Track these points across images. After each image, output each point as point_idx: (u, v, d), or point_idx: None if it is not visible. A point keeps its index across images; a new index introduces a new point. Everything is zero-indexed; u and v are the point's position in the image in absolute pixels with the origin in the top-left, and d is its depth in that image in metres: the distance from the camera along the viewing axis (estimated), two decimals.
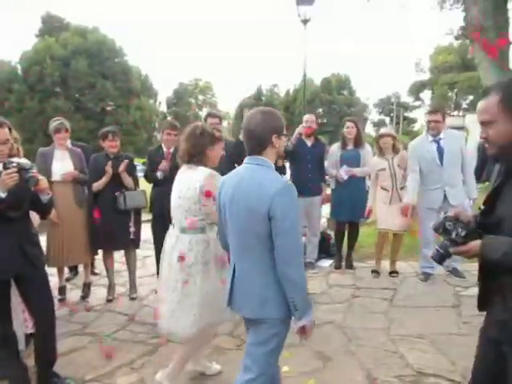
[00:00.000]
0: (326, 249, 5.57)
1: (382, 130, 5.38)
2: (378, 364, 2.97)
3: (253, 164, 1.91)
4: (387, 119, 46.74)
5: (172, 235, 2.65)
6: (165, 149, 4.36)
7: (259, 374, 1.93)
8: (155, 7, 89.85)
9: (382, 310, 3.92)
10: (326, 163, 5.23)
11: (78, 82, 31.22)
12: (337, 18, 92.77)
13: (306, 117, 5.17)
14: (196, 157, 2.55)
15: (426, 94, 38.03)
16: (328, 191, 5.35)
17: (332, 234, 5.56)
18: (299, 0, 9.70)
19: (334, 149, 5.17)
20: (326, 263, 5.36)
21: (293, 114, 36.49)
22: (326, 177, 5.30)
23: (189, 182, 2.53)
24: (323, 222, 5.88)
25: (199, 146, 2.55)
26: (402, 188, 4.67)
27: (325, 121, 40.54)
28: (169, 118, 37.80)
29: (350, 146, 5.02)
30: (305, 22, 9.93)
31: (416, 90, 38.43)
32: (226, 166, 3.22)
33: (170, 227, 2.71)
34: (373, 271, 4.88)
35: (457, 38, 7.38)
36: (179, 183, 2.61)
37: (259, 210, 1.79)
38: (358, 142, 5.01)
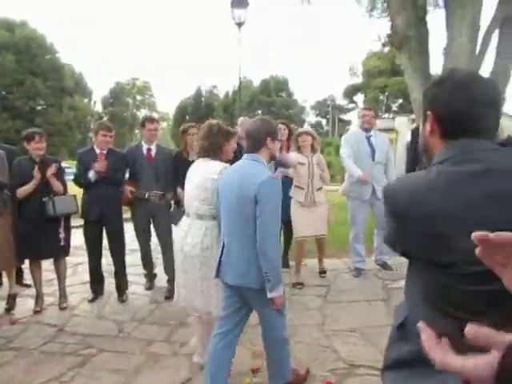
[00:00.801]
0: None
1: (301, 129, 5.45)
2: (313, 359, 3.07)
3: (249, 160, 2.36)
4: (324, 121, 48.25)
5: (185, 223, 2.86)
6: (98, 150, 4.20)
7: (282, 334, 2.45)
8: (90, 3, 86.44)
9: (317, 306, 4.05)
10: None
11: (5, 78, 29.31)
12: (275, 20, 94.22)
13: (241, 120, 5.21)
14: (213, 152, 2.77)
15: (360, 97, 39.71)
16: None
17: None
18: (234, 3, 9.77)
19: None
20: None
21: (232, 115, 36.56)
22: None
23: (206, 173, 2.72)
24: None
25: (216, 143, 2.76)
26: (318, 189, 4.62)
27: None
28: (105, 119, 36.47)
29: (283, 149, 5.12)
30: (239, 24, 10.01)
31: (350, 93, 40.03)
32: None
33: (184, 216, 2.90)
34: (294, 284, 4.61)
35: (384, 45, 7.82)
36: (197, 175, 2.80)
37: (248, 195, 2.20)
38: (290, 143, 5.13)
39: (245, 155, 2.41)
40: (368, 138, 4.81)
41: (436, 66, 8.08)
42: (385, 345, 1.40)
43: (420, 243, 1.18)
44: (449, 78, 1.17)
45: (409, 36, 7.95)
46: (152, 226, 4.53)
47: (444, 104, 1.15)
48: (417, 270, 1.24)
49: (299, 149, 4.66)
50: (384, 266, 5.01)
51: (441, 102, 1.16)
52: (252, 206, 2.21)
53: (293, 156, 4.59)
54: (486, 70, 8.42)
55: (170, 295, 4.32)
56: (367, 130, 4.82)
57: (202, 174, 2.74)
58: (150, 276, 4.75)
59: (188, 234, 2.78)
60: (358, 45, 44.66)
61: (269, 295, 2.22)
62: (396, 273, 4.77)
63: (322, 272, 4.97)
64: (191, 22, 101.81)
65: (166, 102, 57.94)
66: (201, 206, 2.75)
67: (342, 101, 43.68)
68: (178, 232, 2.93)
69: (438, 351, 0.67)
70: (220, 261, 2.42)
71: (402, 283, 1.83)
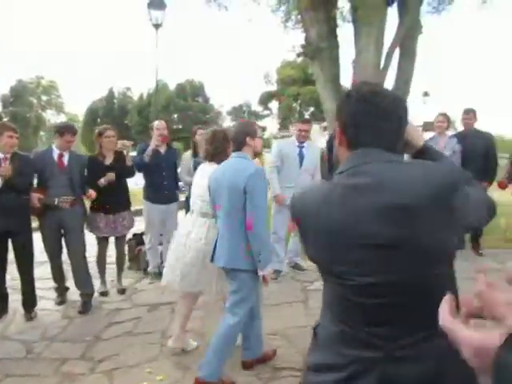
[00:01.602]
0: None
1: None
2: (237, 364, 3.07)
3: (236, 157, 2.74)
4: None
5: (189, 220, 3.20)
6: (0, 154, 3.82)
7: (237, 321, 2.72)
8: None
9: None
10: (179, 170, 5.24)
11: None
12: (192, 24, 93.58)
13: (157, 123, 5.05)
14: (218, 156, 3.01)
15: (274, 104, 40.86)
16: (182, 198, 5.37)
17: None
18: (151, 4, 9.54)
19: (187, 156, 5.19)
20: None
21: (147, 119, 35.59)
22: (180, 183, 5.30)
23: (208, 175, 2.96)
24: None
25: (221, 147, 3.03)
26: None
27: (180, 127, 40.49)
28: (5, 119, 33.40)
29: (202, 153, 5.10)
30: (156, 26, 9.80)
31: (265, 100, 41.00)
32: None
33: (188, 214, 3.29)
34: None
35: (298, 56, 8.14)
36: (202, 177, 3.06)
37: (238, 187, 2.55)
38: None
39: (232, 154, 2.80)
40: (301, 148, 5.04)
41: (347, 77, 8.57)
42: (304, 345, 1.43)
43: (317, 252, 1.23)
44: (354, 91, 1.22)
45: (321, 48, 8.34)
46: (63, 236, 4.24)
47: (347, 116, 1.20)
48: (322, 277, 1.28)
49: None
50: (296, 266, 5.22)
51: (345, 114, 1.21)
52: (241, 197, 2.56)
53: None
54: (389, 84, 9.13)
55: (84, 310, 4.08)
56: (302, 142, 5.04)
57: (207, 177, 2.93)
58: (61, 290, 4.43)
59: (192, 230, 3.11)
60: (273, 53, 46.05)
61: (260, 273, 2.64)
62: (314, 274, 4.96)
63: None
64: (104, 21, 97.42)
65: (75, 103, 54.69)
66: (204, 206, 3.05)
67: (257, 107, 44.57)
68: (182, 228, 3.27)
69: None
70: (215, 246, 2.79)
71: (319, 284, 1.91)
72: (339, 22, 9.47)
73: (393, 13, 8.74)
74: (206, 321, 3.76)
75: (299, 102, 34.71)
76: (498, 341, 0.52)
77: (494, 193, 5.54)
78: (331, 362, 1.19)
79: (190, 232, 3.10)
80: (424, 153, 1.28)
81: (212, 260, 2.82)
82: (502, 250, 5.46)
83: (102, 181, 4.27)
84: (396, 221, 1.05)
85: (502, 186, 5.42)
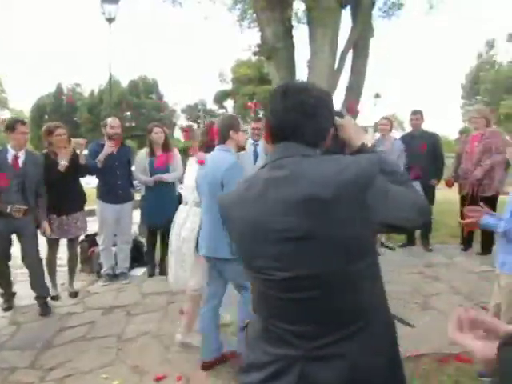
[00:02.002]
0: (138, 257, 5.42)
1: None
2: (197, 368, 3.03)
3: (219, 150, 2.81)
4: (195, 125, 48.35)
5: (183, 211, 3.38)
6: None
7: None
8: None
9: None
10: (133, 168, 5.11)
11: None
12: (147, 20, 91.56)
13: (110, 121, 4.87)
14: (211, 147, 3.00)
15: (229, 103, 40.80)
16: (137, 197, 5.25)
17: (144, 240, 5.46)
18: None
19: (142, 154, 5.07)
20: (140, 272, 5.22)
21: (98, 116, 34.47)
22: (135, 182, 5.17)
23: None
24: (134, 228, 5.72)
25: (212, 139, 3.06)
26: None
27: (133, 124, 39.54)
28: None
29: (159, 152, 5.00)
30: (110, 20, 9.50)
31: (220, 98, 40.84)
32: None
33: (182, 205, 3.47)
34: None
35: (255, 55, 8.15)
36: (194, 169, 3.14)
37: (217, 179, 2.63)
38: (167, 147, 5.03)
39: (217, 146, 2.86)
40: (255, 146, 5.11)
41: (303, 77, 8.69)
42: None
43: (239, 247, 1.26)
44: (280, 87, 1.26)
45: (277, 47, 8.39)
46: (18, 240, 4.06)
47: (271, 111, 1.23)
48: (247, 273, 1.29)
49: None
50: None
51: (269, 110, 1.24)
52: (220, 189, 2.62)
53: (181, 166, 4.96)
54: (343, 85, 9.35)
55: (44, 312, 3.99)
56: (256, 140, 5.12)
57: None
58: (8, 295, 4.20)
59: (187, 219, 3.27)
60: (228, 52, 45.90)
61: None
62: None
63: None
64: (55, 14, 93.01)
65: (20, 99, 52.01)
66: (197, 197, 3.13)
67: (212, 105, 44.33)
68: (177, 218, 3.40)
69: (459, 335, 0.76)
70: (198, 237, 2.95)
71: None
72: (295, 23, 9.60)
73: (347, 15, 8.96)
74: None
75: (255, 101, 34.86)
76: None
77: (442, 191, 5.83)
78: (257, 361, 1.20)
79: (185, 222, 3.28)
80: (363, 151, 1.30)
81: (196, 249, 3.00)
82: (449, 245, 5.74)
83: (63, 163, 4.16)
84: (309, 213, 1.07)
85: (449, 185, 5.69)
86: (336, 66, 8.66)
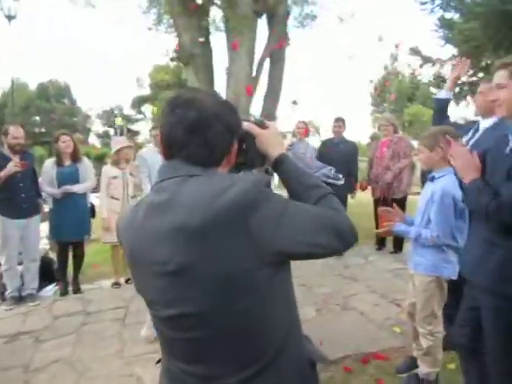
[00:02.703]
0: (48, 274, 4.99)
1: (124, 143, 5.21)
2: None
3: None
4: (111, 130, 46.43)
5: None
6: None
7: None
8: None
9: (115, 332, 3.76)
10: (40, 179, 4.70)
11: None
12: (57, 21, 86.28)
13: (12, 130, 4.34)
14: None
15: (148, 108, 39.74)
16: (46, 209, 4.85)
17: (54, 256, 5.05)
18: None
19: (49, 164, 4.67)
20: (50, 291, 4.81)
21: (2, 122, 31.72)
22: (43, 194, 4.75)
23: None
24: (43, 244, 5.28)
25: None
26: (133, 197, 4.76)
27: (43, 130, 36.98)
28: None
29: (68, 162, 4.66)
30: (9, 18, 8.76)
31: (138, 103, 39.68)
32: None
33: None
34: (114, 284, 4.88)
35: (172, 60, 7.99)
36: None
37: None
38: (76, 156, 4.70)
39: None
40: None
41: (222, 84, 8.68)
42: None
43: (132, 277, 1.16)
44: (171, 98, 1.11)
45: (194, 54, 8.30)
46: None
47: (161, 125, 1.10)
48: None
49: (117, 161, 4.85)
50: None
51: (160, 123, 1.11)
52: None
53: (92, 175, 4.87)
54: (261, 92, 9.50)
55: None
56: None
57: None
58: None
59: None
60: (146, 56, 44.73)
61: None
62: None
63: (116, 283, 4.87)
64: None
65: None
66: None
67: (130, 111, 42.92)
68: None
69: None
70: None
71: None
72: (213, 29, 9.58)
73: (264, 24, 9.12)
74: None
75: None
76: None
77: (357, 193, 6.11)
78: None
79: None
80: (278, 163, 1.19)
81: None
82: (365, 245, 6.01)
83: None
84: (180, 245, 0.95)
85: (363, 188, 6.00)
86: (254, 73, 8.79)
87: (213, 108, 1.06)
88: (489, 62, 7.57)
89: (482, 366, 1.98)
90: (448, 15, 7.95)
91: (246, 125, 1.18)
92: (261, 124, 1.22)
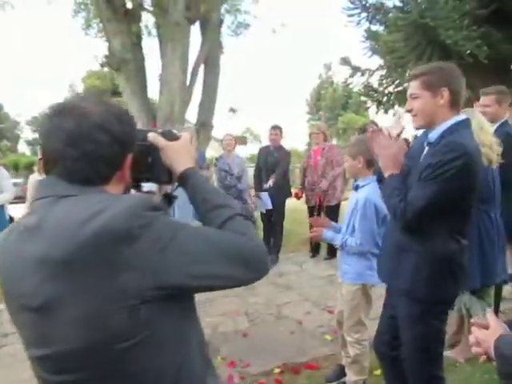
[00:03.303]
0: None
1: None
2: None
3: None
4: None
5: None
6: None
7: None
8: None
9: None
10: None
11: None
12: None
13: None
14: None
15: None
16: None
17: None
18: None
19: None
20: None
21: None
22: None
23: None
24: None
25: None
26: None
27: None
28: None
29: None
30: None
31: None
32: None
33: None
34: None
35: (102, 66, 7.66)
36: None
37: None
38: None
39: None
40: None
41: (155, 91, 8.47)
42: None
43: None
44: (48, 108, 0.96)
45: (126, 59, 8.04)
46: None
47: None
48: None
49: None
50: None
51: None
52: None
53: (10, 185, 3.98)
54: (196, 100, 9.38)
55: None
56: None
57: None
58: None
59: None
60: (79, 61, 42.87)
61: None
62: None
63: None
64: None
65: None
66: None
67: None
68: None
69: None
70: None
71: None
72: (145, 35, 9.35)
73: (197, 31, 9.04)
74: None
75: None
76: None
77: (293, 200, 6.17)
78: None
79: None
80: (184, 179, 1.07)
81: None
82: (300, 252, 6.08)
83: None
84: (49, 278, 0.83)
85: (298, 197, 6.03)
86: (188, 81, 8.66)
87: (96, 117, 0.92)
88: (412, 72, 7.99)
89: (402, 373, 2.01)
90: (374, 27, 8.31)
91: (151, 136, 1.07)
92: (169, 135, 1.10)
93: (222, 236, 0.94)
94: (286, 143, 6.38)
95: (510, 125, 3.43)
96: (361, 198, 2.44)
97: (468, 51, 6.94)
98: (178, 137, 1.12)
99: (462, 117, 1.82)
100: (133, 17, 7.96)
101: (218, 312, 3.93)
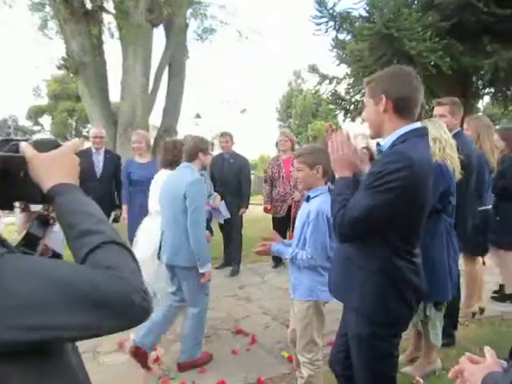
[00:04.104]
0: None
1: None
2: None
3: (182, 167, 3.05)
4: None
5: (148, 220, 3.68)
6: None
7: (199, 309, 3.08)
8: None
9: None
10: None
11: None
12: None
13: None
14: (175, 164, 3.24)
15: (47, 120, 37.02)
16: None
17: None
18: None
19: None
20: None
21: None
22: None
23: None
24: None
25: (179, 156, 3.23)
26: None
27: None
28: None
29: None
30: None
31: (34, 114, 36.77)
32: None
33: (148, 216, 3.71)
34: None
35: (59, 68, 7.32)
36: (159, 183, 3.31)
37: (179, 192, 2.87)
38: None
39: (183, 163, 3.08)
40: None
41: (117, 95, 8.19)
42: None
43: None
44: None
45: (85, 62, 7.78)
46: None
47: None
48: None
49: None
50: None
51: None
52: (182, 201, 2.87)
53: None
54: (160, 106, 9.15)
55: None
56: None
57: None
58: None
59: (151, 228, 3.44)
60: (43, 64, 41.65)
61: (200, 270, 2.90)
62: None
63: None
64: None
65: None
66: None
67: (26, 122, 39.65)
68: (142, 228, 3.69)
69: None
70: (160, 245, 3.12)
71: None
72: (108, 37, 9.06)
73: (162, 36, 8.83)
74: None
75: (75, 118, 32.39)
76: None
77: (260, 208, 5.98)
78: None
79: (150, 231, 3.49)
80: (50, 198, 0.85)
81: (158, 257, 3.18)
82: (263, 262, 5.91)
83: None
84: None
85: (267, 211, 5.75)
86: (151, 86, 8.44)
87: None
88: None
89: None
90: (341, 36, 8.32)
91: (22, 146, 0.88)
92: (44, 145, 0.91)
93: (77, 273, 0.73)
94: (258, 150, 6.18)
95: (464, 136, 3.40)
96: (312, 210, 2.30)
97: (432, 62, 7.02)
98: (55, 147, 0.92)
99: (415, 125, 1.70)
100: (93, 18, 7.69)
101: (171, 329, 3.72)
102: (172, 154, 3.44)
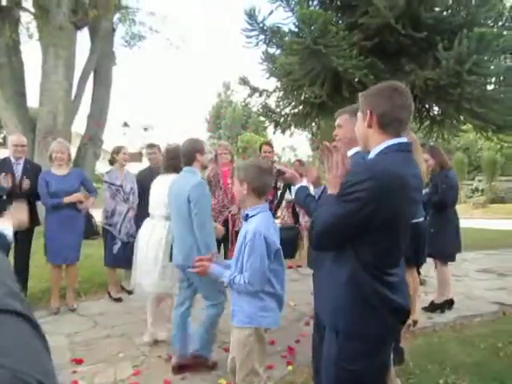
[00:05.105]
0: None
1: None
2: None
3: (186, 171, 3.16)
4: None
5: (149, 223, 3.69)
6: None
7: (216, 302, 3.18)
8: None
9: None
10: None
11: None
12: None
13: None
14: (177, 168, 3.37)
15: None
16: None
17: None
18: None
19: None
20: None
21: None
22: None
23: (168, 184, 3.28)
24: None
25: (179, 160, 3.29)
26: None
27: None
28: None
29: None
30: None
31: None
32: None
33: (149, 218, 3.73)
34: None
35: None
36: (162, 186, 3.44)
37: (184, 195, 2.97)
38: None
39: (184, 168, 3.13)
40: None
41: (36, 99, 7.60)
42: None
43: None
44: None
45: (1, 63, 7.12)
46: None
47: None
48: None
49: None
50: None
51: None
52: (187, 205, 2.92)
53: None
54: (85, 112, 8.63)
55: None
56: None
57: (165, 185, 3.29)
58: None
59: (153, 232, 3.58)
60: None
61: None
62: None
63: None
64: None
65: None
66: (165, 210, 3.48)
67: None
68: (143, 231, 3.69)
69: None
70: (172, 247, 3.22)
71: None
72: (26, 38, 8.39)
73: (87, 39, 8.34)
74: None
75: None
76: None
77: None
78: None
79: (152, 234, 3.56)
80: None
81: (171, 259, 3.24)
82: None
83: None
84: None
85: None
86: (74, 91, 7.93)
87: None
88: (306, 95, 8.17)
89: None
90: (271, 50, 8.40)
91: None
92: None
93: None
94: None
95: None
96: (250, 231, 2.19)
97: (357, 79, 7.31)
98: None
99: (397, 140, 1.66)
100: (8, 16, 7.06)
101: (95, 358, 3.41)
102: (174, 158, 3.48)
